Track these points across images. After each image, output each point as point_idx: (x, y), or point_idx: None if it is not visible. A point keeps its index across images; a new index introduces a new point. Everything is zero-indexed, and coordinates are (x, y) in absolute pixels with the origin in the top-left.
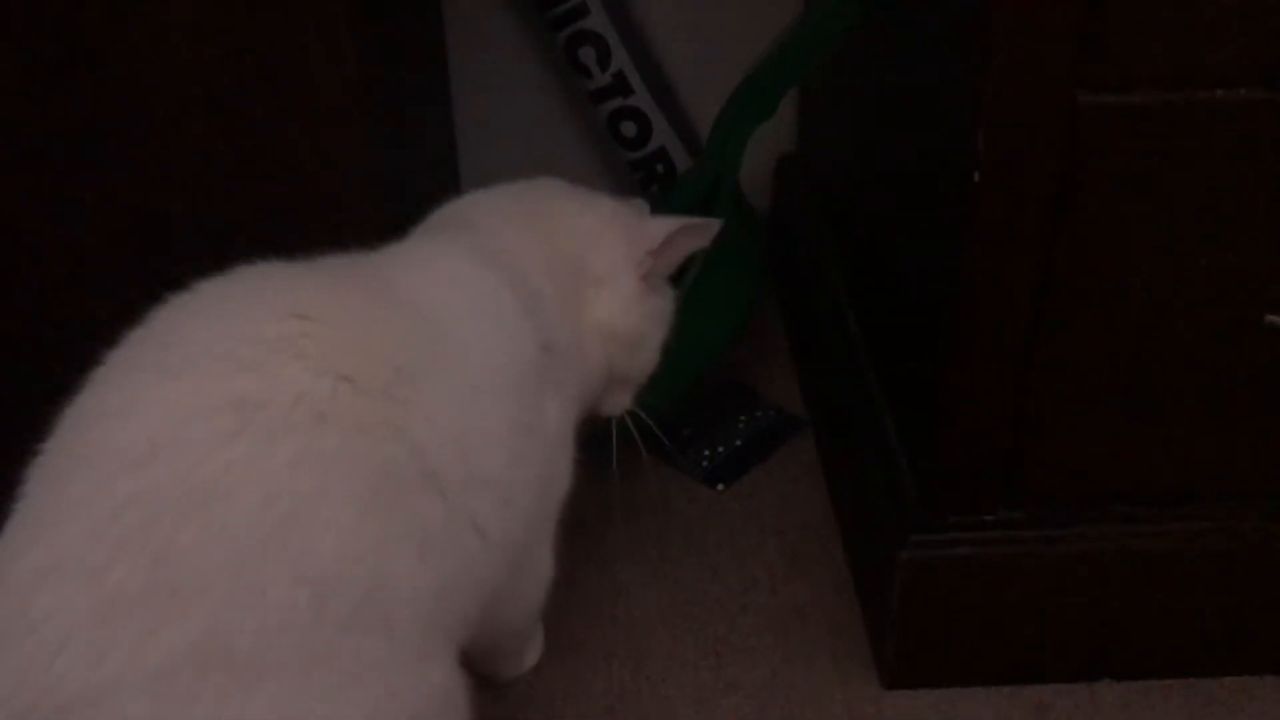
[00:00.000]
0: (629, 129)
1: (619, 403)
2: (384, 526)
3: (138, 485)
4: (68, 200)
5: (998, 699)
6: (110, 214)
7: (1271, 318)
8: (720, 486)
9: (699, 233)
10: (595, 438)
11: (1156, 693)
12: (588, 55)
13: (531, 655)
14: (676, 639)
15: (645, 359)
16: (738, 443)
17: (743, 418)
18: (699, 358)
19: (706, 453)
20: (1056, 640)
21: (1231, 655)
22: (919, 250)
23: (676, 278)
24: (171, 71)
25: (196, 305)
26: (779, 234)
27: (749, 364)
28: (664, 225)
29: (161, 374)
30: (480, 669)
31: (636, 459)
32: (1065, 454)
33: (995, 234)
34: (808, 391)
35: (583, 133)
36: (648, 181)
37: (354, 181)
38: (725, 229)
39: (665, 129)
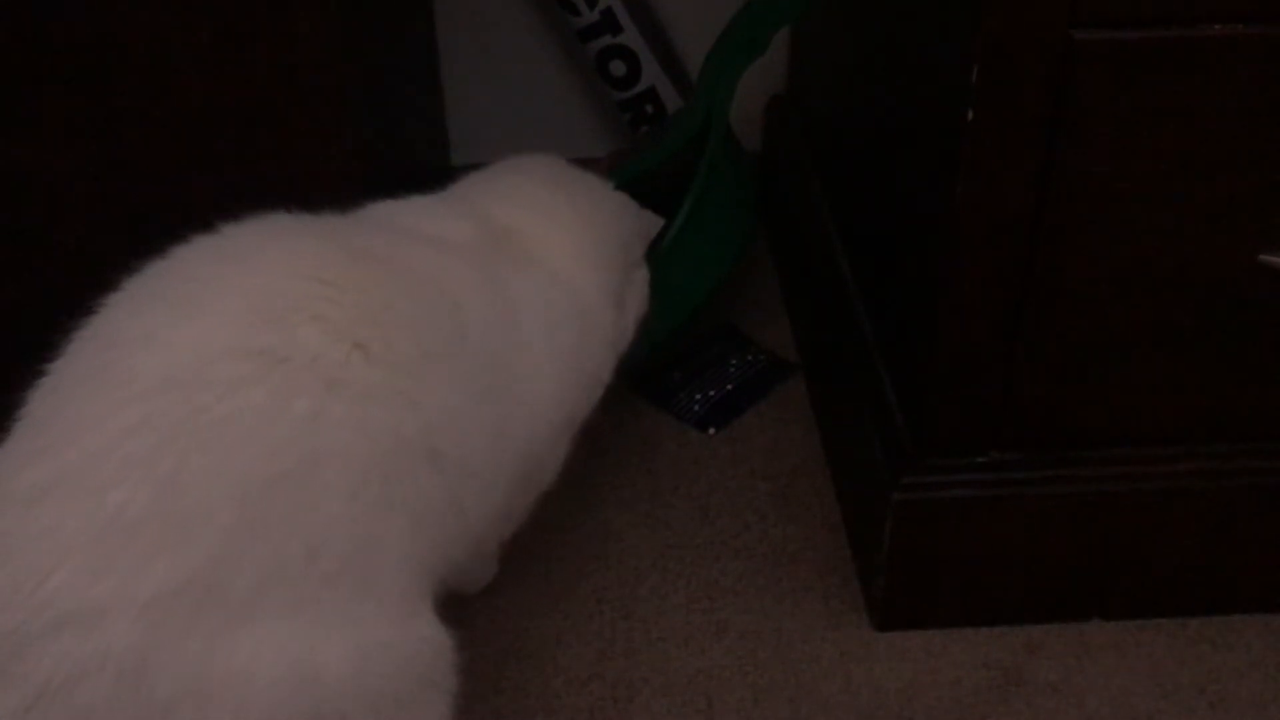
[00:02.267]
0: (618, 68)
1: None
2: (381, 495)
3: (150, 411)
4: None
5: (988, 639)
6: (98, 184)
7: (1265, 257)
8: (711, 430)
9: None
10: None
11: (1146, 631)
12: None
13: (491, 570)
14: (667, 582)
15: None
16: (729, 386)
17: (734, 361)
18: (690, 299)
19: (698, 396)
20: (1046, 580)
21: (1220, 594)
22: (911, 190)
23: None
24: (161, 49)
25: (222, 250)
26: (770, 175)
27: (740, 307)
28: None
29: (183, 311)
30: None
31: (627, 403)
32: (1056, 395)
33: (988, 173)
34: (799, 334)
35: (570, 72)
36: (637, 122)
37: (336, 129)
38: (716, 169)
39: (655, 68)
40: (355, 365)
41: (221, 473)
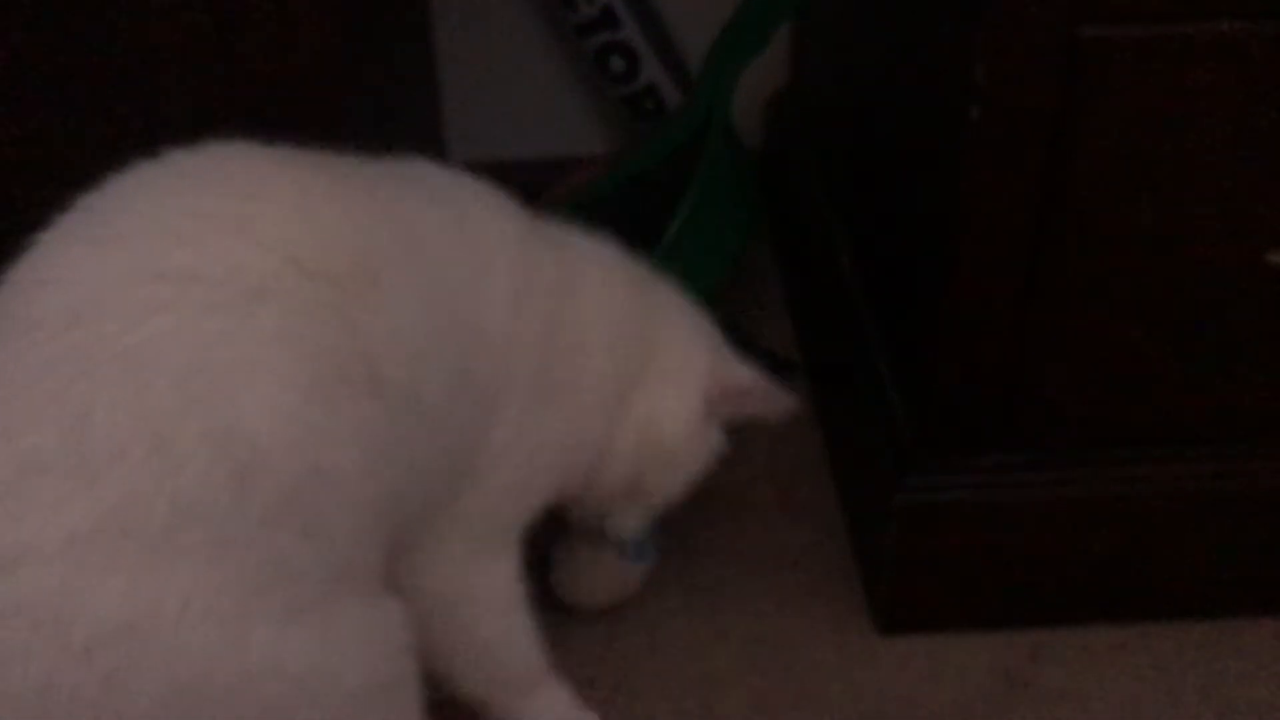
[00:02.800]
0: (617, 64)
1: (624, 523)
2: (325, 418)
3: (57, 350)
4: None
5: (992, 643)
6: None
7: (1272, 256)
8: None
9: (774, 401)
10: None
11: (1151, 635)
12: None
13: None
14: (667, 585)
15: (671, 485)
16: None
17: None
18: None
19: None
20: (1051, 583)
21: (1226, 597)
22: (915, 188)
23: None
24: (156, 46)
25: (151, 176)
26: (771, 172)
27: (741, 306)
28: (750, 374)
29: (96, 244)
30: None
31: None
32: (1061, 396)
33: (993, 170)
34: (801, 333)
35: (569, 68)
36: (636, 118)
37: (330, 124)
38: (716, 166)
39: (654, 64)
40: (288, 277)
41: (130, 406)
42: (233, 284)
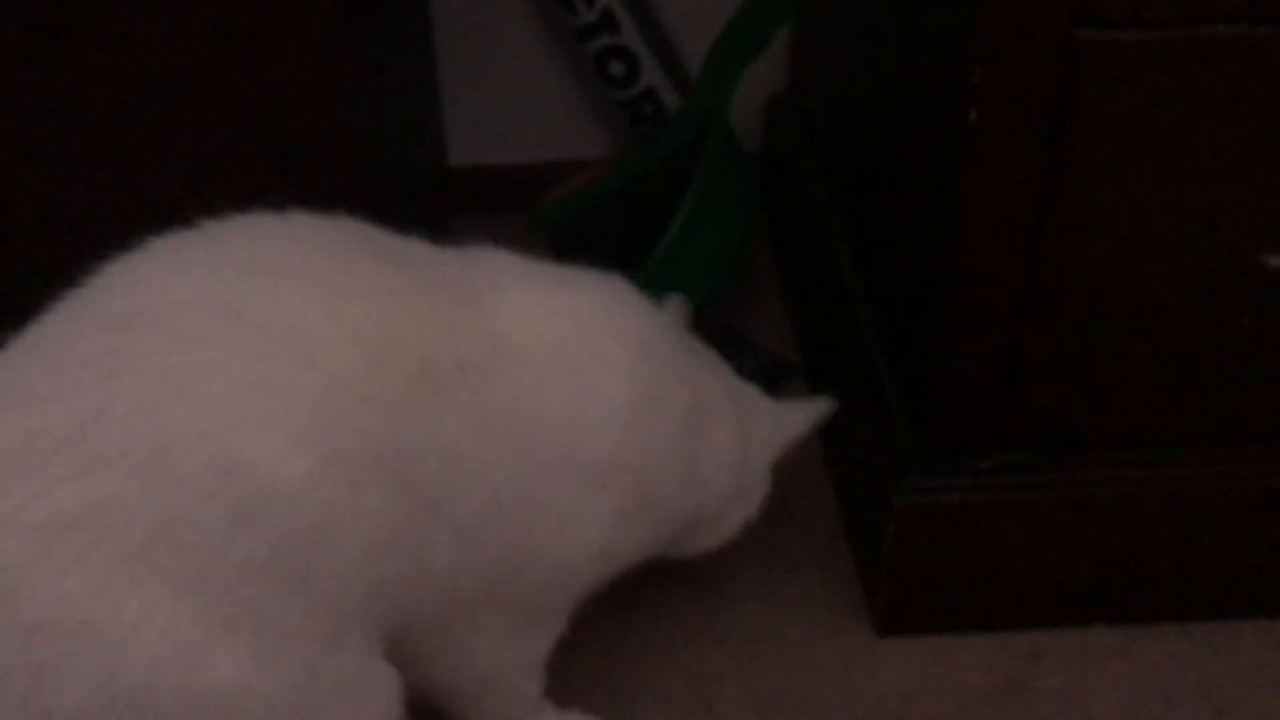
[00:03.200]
0: (617, 68)
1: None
2: (337, 491)
3: (100, 347)
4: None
5: (991, 645)
6: (87, 184)
7: (1269, 259)
8: None
9: (822, 419)
10: None
11: (1150, 637)
12: None
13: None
14: (667, 589)
15: (732, 529)
16: None
17: (734, 362)
18: (689, 299)
19: None
20: (1050, 585)
21: (1225, 599)
22: (914, 190)
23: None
24: (158, 46)
25: (251, 228)
26: (771, 175)
27: (740, 308)
28: (803, 419)
29: (177, 269)
30: None
31: None
32: (1059, 398)
33: (991, 173)
34: (800, 335)
35: (569, 72)
36: (636, 122)
37: (331, 128)
38: (715, 169)
39: (654, 68)
40: (342, 350)
41: (147, 415)
42: (289, 343)
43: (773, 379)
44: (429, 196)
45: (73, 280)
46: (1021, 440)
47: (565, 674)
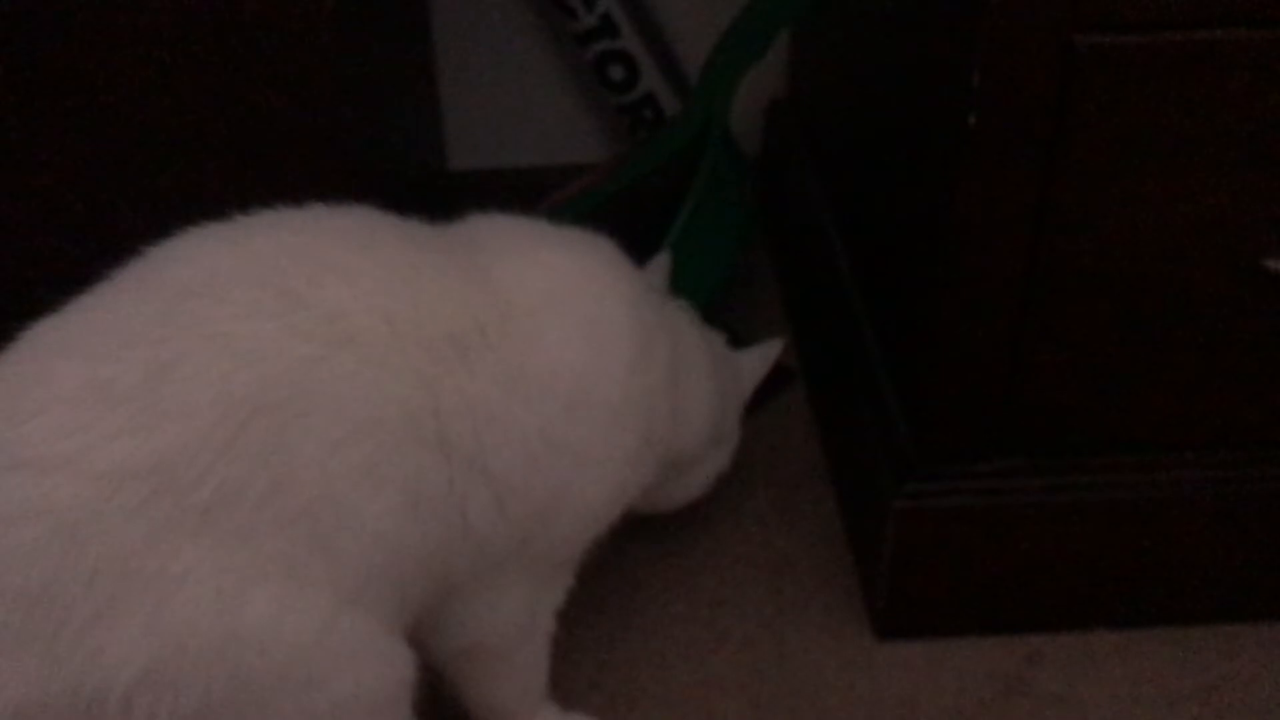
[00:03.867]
0: (616, 72)
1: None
2: (364, 461)
3: (166, 308)
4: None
5: (991, 648)
6: (88, 189)
7: (1270, 262)
8: None
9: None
10: None
11: (1149, 640)
12: None
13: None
14: (667, 592)
15: (698, 483)
16: None
17: None
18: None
19: None
20: (1050, 589)
21: (1225, 603)
22: (913, 195)
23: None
24: (152, 51)
25: (285, 220)
26: (770, 180)
27: (739, 313)
28: (760, 361)
29: (233, 247)
30: None
31: None
32: (1059, 401)
33: (990, 177)
34: (799, 340)
35: (568, 77)
36: (635, 127)
37: (329, 133)
38: (715, 174)
39: (653, 73)
40: (377, 330)
41: (213, 382)
42: (330, 326)
43: (771, 384)
44: (428, 201)
45: (74, 281)
46: (1020, 444)
47: (564, 679)
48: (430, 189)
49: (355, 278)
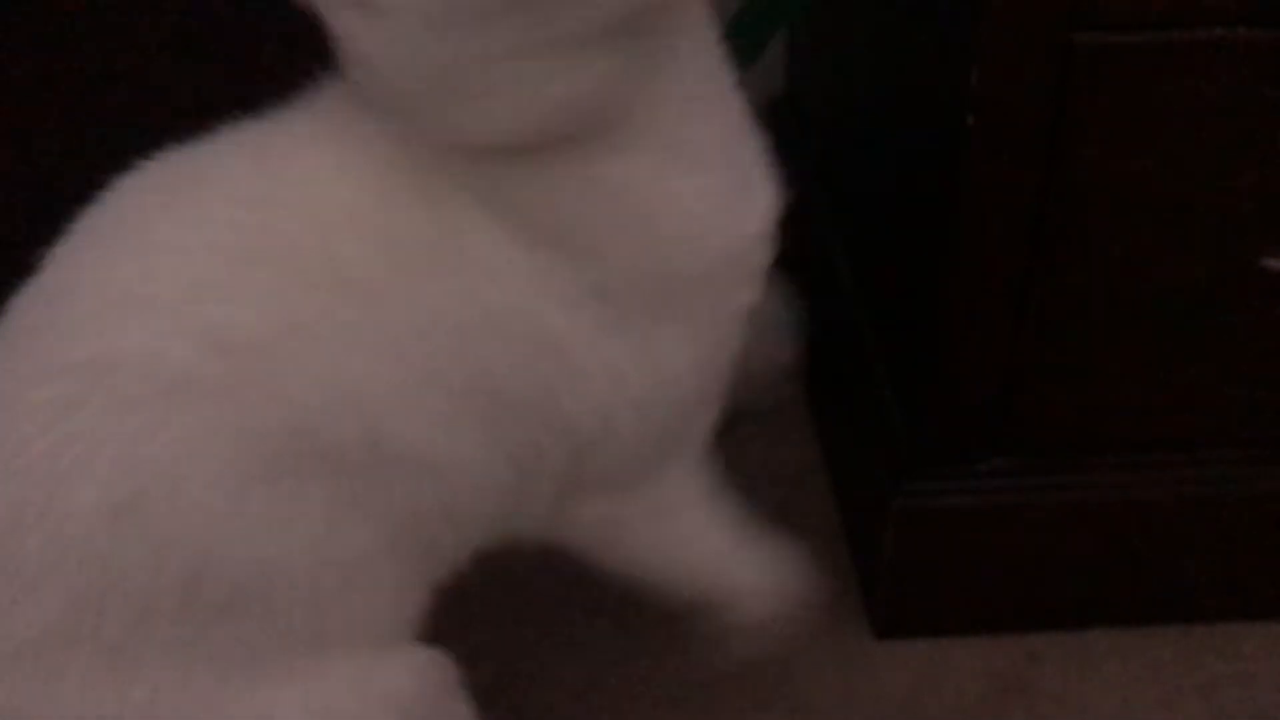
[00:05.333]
0: None
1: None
2: (264, 510)
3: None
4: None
5: (990, 647)
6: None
7: (1268, 261)
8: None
9: None
10: None
11: (1149, 639)
12: None
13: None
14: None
15: None
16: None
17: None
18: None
19: None
20: (1049, 588)
21: (1225, 602)
22: (910, 195)
23: None
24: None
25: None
26: None
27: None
28: None
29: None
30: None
31: None
32: (1058, 401)
33: (988, 176)
34: (797, 339)
35: None
36: None
37: None
38: None
39: None
40: (205, 360)
41: (53, 516)
42: (152, 376)
43: (770, 383)
44: None
45: None
46: (1020, 444)
47: (561, 675)
48: None
49: (151, 301)
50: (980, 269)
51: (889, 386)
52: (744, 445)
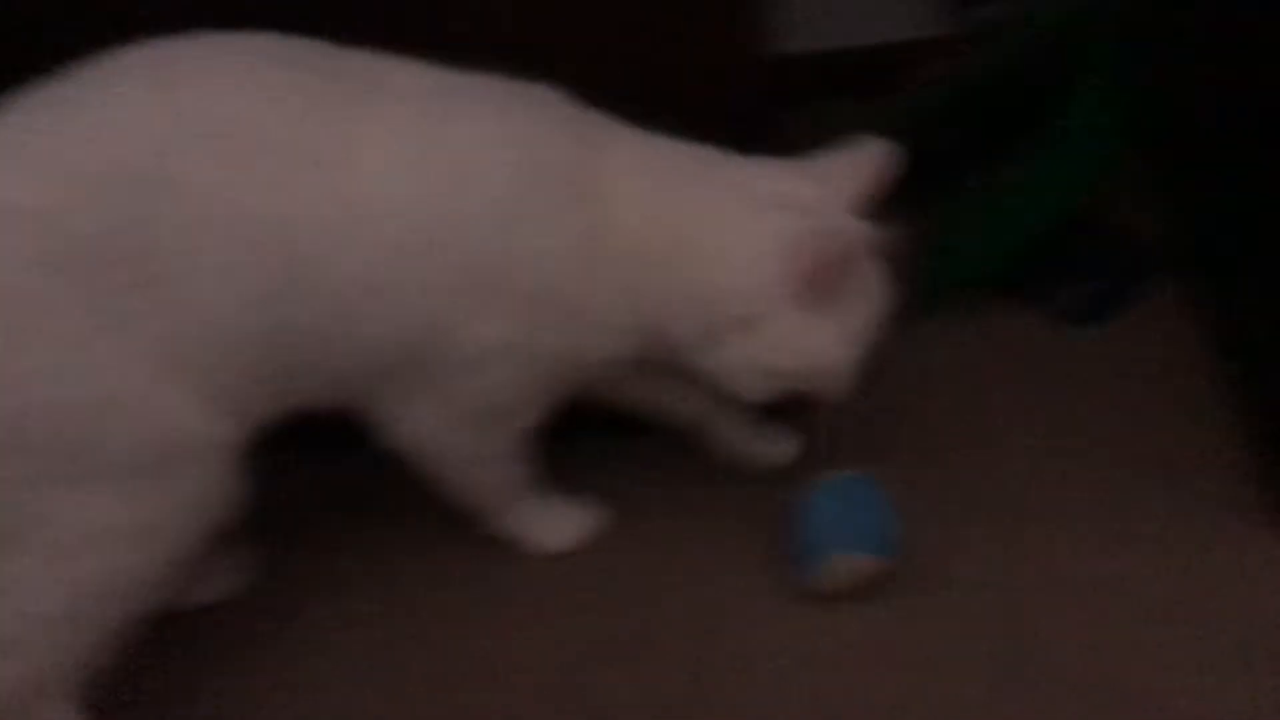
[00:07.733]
0: None
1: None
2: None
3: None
4: None
5: None
6: None
7: None
8: (1087, 327)
9: None
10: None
11: None
12: None
13: (531, 532)
14: (1059, 488)
15: None
16: (1102, 282)
17: (1105, 255)
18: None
19: (1070, 292)
20: None
21: None
22: None
23: None
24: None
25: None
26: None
27: (1107, 198)
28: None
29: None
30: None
31: (987, 303)
32: None
33: None
34: (1177, 221)
35: None
36: (964, 3)
37: None
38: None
39: None
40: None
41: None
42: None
43: (1145, 272)
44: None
45: None
46: None
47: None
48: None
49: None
50: None
51: None
52: (1118, 338)
